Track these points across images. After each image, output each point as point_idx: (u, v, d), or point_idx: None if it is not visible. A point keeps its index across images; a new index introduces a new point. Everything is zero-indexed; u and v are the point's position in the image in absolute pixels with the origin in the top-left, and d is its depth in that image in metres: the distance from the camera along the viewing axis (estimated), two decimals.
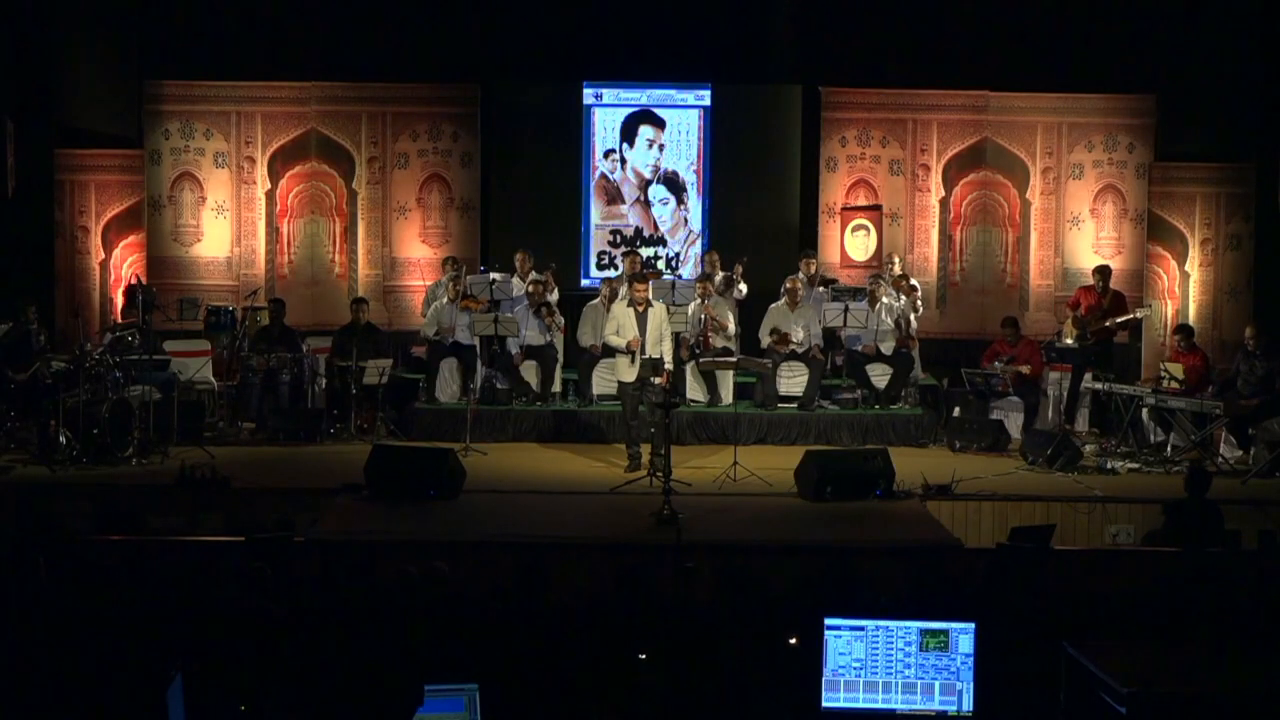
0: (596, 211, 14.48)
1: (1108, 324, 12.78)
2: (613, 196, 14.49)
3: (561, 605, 6.26)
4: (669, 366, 10.67)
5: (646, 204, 14.49)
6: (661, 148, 14.44)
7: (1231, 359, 12.16)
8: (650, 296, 11.06)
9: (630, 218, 14.49)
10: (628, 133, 14.42)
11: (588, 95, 14.38)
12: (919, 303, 13.30)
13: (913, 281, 13.50)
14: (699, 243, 14.36)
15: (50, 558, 6.80)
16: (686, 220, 14.49)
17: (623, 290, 12.42)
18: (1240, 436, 11.54)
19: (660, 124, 14.42)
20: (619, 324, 10.89)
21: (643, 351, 10.58)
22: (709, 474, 10.65)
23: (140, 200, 14.21)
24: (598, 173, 14.44)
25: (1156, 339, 13.96)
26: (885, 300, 12.78)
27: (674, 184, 14.47)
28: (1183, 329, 12.48)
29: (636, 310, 10.78)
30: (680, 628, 5.81)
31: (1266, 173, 13.80)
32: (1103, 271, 13.10)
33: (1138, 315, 12.99)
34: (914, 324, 13.04)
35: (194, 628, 5.74)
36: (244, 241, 14.25)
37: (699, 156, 14.42)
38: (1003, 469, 11.07)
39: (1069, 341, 12.65)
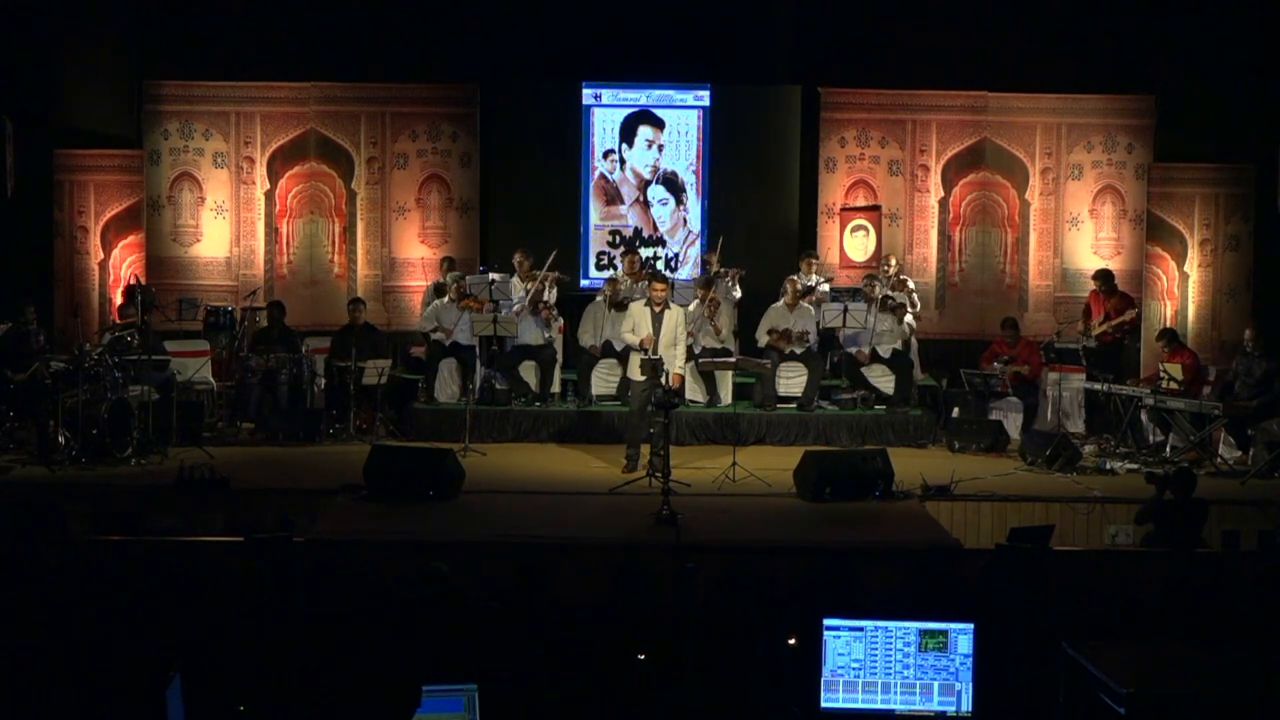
0: (595, 212, 14.47)
1: (1105, 328, 12.78)
2: (612, 197, 14.48)
3: (561, 605, 6.26)
4: (679, 370, 10.65)
5: (646, 204, 14.48)
6: (661, 148, 14.42)
7: (1230, 360, 12.16)
8: (669, 298, 11.04)
9: (629, 218, 14.48)
10: (627, 133, 14.41)
11: (587, 95, 14.36)
12: (914, 296, 13.29)
13: (903, 276, 13.50)
14: (698, 243, 14.35)
15: (50, 558, 6.80)
16: (686, 221, 14.48)
17: (627, 284, 12.50)
18: (1239, 437, 11.55)
19: (659, 124, 14.41)
20: (635, 321, 10.86)
21: (655, 351, 10.54)
22: (708, 474, 10.64)
23: (140, 200, 14.19)
24: (597, 173, 14.43)
25: (1155, 340, 13.95)
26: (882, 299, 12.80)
27: (673, 184, 14.45)
28: (1165, 334, 12.45)
29: (653, 310, 10.77)
30: (680, 628, 5.81)
31: (1266, 173, 13.78)
32: (1103, 276, 13.08)
33: (1126, 317, 13.00)
34: (913, 325, 13.05)
35: (194, 628, 5.75)
36: (243, 242, 14.25)
37: (698, 157, 14.41)
38: (1002, 469, 11.07)
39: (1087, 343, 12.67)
